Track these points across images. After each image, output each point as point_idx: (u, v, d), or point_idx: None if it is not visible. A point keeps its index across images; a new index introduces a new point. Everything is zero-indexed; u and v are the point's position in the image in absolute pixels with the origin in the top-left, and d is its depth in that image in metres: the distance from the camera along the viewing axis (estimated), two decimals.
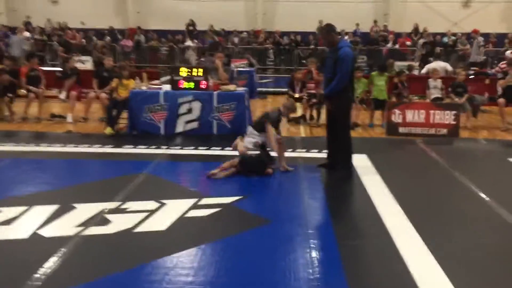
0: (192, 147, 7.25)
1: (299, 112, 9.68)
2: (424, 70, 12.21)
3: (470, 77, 10.78)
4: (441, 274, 3.43)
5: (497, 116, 9.38)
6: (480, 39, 14.86)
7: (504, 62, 11.31)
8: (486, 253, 3.93)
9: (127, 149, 7.09)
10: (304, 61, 17.02)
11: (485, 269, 3.64)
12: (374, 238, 4.21)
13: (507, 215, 4.65)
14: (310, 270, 3.47)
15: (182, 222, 4.36)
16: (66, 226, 4.19)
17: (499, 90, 9.24)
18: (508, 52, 13.57)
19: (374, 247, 4.03)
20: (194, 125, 8.11)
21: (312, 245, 3.89)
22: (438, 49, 15.72)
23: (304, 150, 7.08)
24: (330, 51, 6.00)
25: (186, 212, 4.57)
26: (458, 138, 8.40)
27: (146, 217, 4.40)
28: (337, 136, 6.02)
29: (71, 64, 10.07)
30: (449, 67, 12.04)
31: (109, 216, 4.42)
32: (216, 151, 7.02)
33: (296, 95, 9.54)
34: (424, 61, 14.92)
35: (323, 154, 6.45)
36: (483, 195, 5.22)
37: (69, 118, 9.11)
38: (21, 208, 4.54)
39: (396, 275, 3.47)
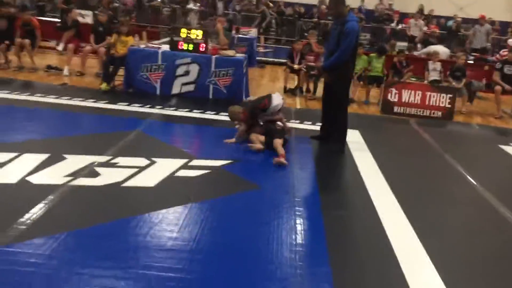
0: (187, 109, 7.23)
1: (295, 84, 9.68)
2: (424, 50, 12.13)
3: (469, 62, 10.73)
4: (421, 249, 3.51)
5: (493, 104, 9.41)
6: (488, 26, 14.70)
7: (505, 50, 11.27)
8: (468, 233, 4.03)
9: (121, 106, 7.06)
10: (306, 34, 16.84)
11: (464, 247, 3.73)
12: (359, 211, 4.28)
13: (492, 199, 4.73)
14: (293, 236, 3.53)
15: (171, 180, 4.39)
16: (55, 175, 4.20)
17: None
18: (510, 40, 13.49)
19: (358, 218, 4.10)
20: (191, 87, 8.08)
21: (297, 213, 3.95)
22: (437, 32, 15.61)
23: (297, 122, 7.10)
24: (336, 23, 5.86)
25: (176, 171, 4.60)
26: (452, 122, 8.45)
27: (136, 173, 4.42)
28: (333, 110, 5.99)
29: (73, 16, 9.89)
30: (449, 52, 11.99)
31: (98, 169, 4.44)
32: (210, 115, 7.01)
33: (295, 66, 9.49)
34: (426, 44, 14.82)
35: (317, 127, 6.47)
36: (470, 179, 5.29)
37: (66, 71, 9.03)
38: (11, 154, 4.54)
39: (376, 247, 3.55)
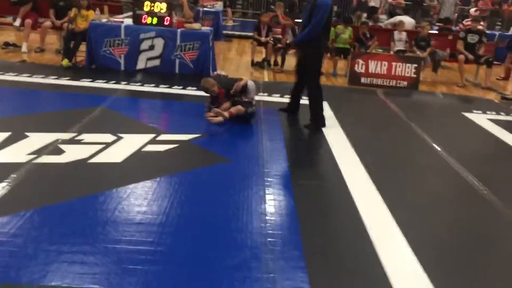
0: (153, 85, 7.10)
1: (262, 57, 9.62)
2: (390, 20, 12.20)
3: (433, 32, 10.85)
4: (389, 217, 3.57)
5: (457, 73, 9.58)
6: None
7: (468, 19, 11.44)
8: (434, 198, 4.12)
9: (85, 83, 6.87)
10: (272, 7, 16.69)
11: (432, 213, 3.81)
12: (328, 181, 4.33)
13: (455, 164, 4.85)
14: (263, 206, 3.55)
15: (138, 155, 4.32)
16: (18, 153, 4.08)
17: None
18: (473, 10, 13.70)
19: (327, 189, 4.15)
20: (156, 62, 7.91)
21: (266, 183, 3.96)
22: (403, 3, 15.69)
23: (266, 94, 7.07)
24: None
25: (143, 146, 4.53)
26: (417, 91, 8.58)
27: (102, 149, 4.34)
28: (304, 84, 5.91)
29: None
30: (414, 23, 12.08)
31: (63, 146, 4.33)
32: (177, 90, 6.90)
33: (262, 39, 9.41)
34: (392, 15, 14.88)
35: (285, 99, 6.46)
36: (435, 146, 5.41)
37: (24, 47, 8.70)
38: None
39: (346, 215, 3.60)
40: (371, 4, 14.47)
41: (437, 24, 13.19)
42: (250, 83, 5.92)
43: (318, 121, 5.76)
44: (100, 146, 4.39)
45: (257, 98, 6.69)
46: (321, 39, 5.69)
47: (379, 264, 2.95)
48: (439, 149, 5.31)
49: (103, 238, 2.91)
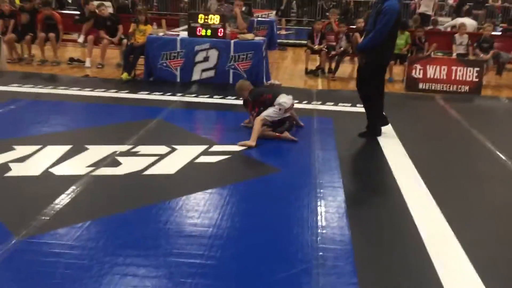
0: (207, 96, 7.21)
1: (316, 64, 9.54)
2: (451, 23, 11.74)
3: (496, 34, 10.35)
4: (449, 232, 3.38)
5: None
6: None
7: None
8: (499, 211, 3.87)
9: (143, 95, 7.09)
10: (327, 14, 16.57)
11: (491, 226, 3.60)
12: (383, 192, 4.20)
13: None
14: (315, 218, 3.49)
15: (191, 167, 4.38)
16: (77, 165, 4.26)
17: None
18: None
19: (382, 200, 4.02)
20: (210, 73, 8.05)
21: (319, 195, 3.89)
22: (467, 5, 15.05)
23: (319, 103, 6.99)
24: (377, 1, 5.37)
25: (196, 157, 4.59)
26: (480, 96, 8.18)
27: (156, 161, 4.44)
28: (365, 94, 5.61)
29: (90, 7, 9.95)
30: (476, 25, 11.57)
31: (120, 158, 4.47)
32: (231, 101, 6.97)
33: (315, 47, 9.34)
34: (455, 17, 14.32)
35: (339, 107, 6.35)
36: (500, 154, 5.11)
37: (88, 63, 9.12)
38: (35, 147, 4.62)
39: (402, 229, 3.45)
40: (422, 10, 13.53)
41: (501, 25, 12.57)
42: (279, 98, 5.32)
43: (375, 129, 5.61)
44: (155, 158, 4.49)
45: (310, 107, 6.64)
46: (386, 45, 5.34)
47: (437, 282, 2.80)
48: (503, 157, 5.02)
49: (154, 250, 2.96)
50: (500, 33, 10.81)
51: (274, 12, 15.29)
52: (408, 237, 3.33)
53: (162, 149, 4.75)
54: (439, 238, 3.32)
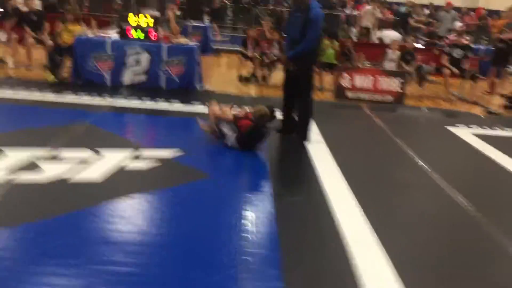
0: (139, 100, 7.07)
1: (249, 72, 9.64)
2: (380, 35, 12.25)
3: (418, 47, 10.95)
4: (371, 234, 3.55)
5: (443, 87, 9.65)
6: (454, 13, 14.84)
7: (454, 34, 11.55)
8: (418, 215, 4.10)
9: (70, 98, 6.83)
10: (262, 21, 16.79)
11: (414, 231, 3.80)
12: (310, 196, 4.29)
13: (440, 181, 4.85)
14: (242, 224, 3.51)
15: (119, 172, 4.27)
16: None
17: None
18: (458, 25, 13.82)
19: (309, 204, 4.11)
20: (142, 77, 7.91)
21: (247, 200, 3.93)
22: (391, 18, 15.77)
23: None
24: (297, 10, 5.58)
25: (124, 163, 4.49)
26: (403, 106, 8.63)
27: (82, 167, 4.29)
28: (296, 98, 5.83)
29: (13, 3, 9.45)
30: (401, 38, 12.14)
31: (42, 164, 4.27)
32: (163, 105, 6.88)
33: (249, 54, 9.44)
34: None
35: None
36: (420, 161, 5.41)
37: (10, 63, 8.66)
38: None
39: (327, 233, 3.56)
40: (364, 24, 14.04)
41: (424, 38, 13.31)
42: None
43: (304, 134, 5.76)
44: (81, 163, 4.34)
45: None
46: (315, 51, 5.67)
47: (359, 284, 2.91)
48: (423, 164, 5.32)
49: (76, 259, 2.85)
50: (423, 46, 11.43)
51: (209, 17, 15.24)
52: (333, 241, 3.43)
53: (89, 153, 4.60)
54: (361, 240, 3.46)
